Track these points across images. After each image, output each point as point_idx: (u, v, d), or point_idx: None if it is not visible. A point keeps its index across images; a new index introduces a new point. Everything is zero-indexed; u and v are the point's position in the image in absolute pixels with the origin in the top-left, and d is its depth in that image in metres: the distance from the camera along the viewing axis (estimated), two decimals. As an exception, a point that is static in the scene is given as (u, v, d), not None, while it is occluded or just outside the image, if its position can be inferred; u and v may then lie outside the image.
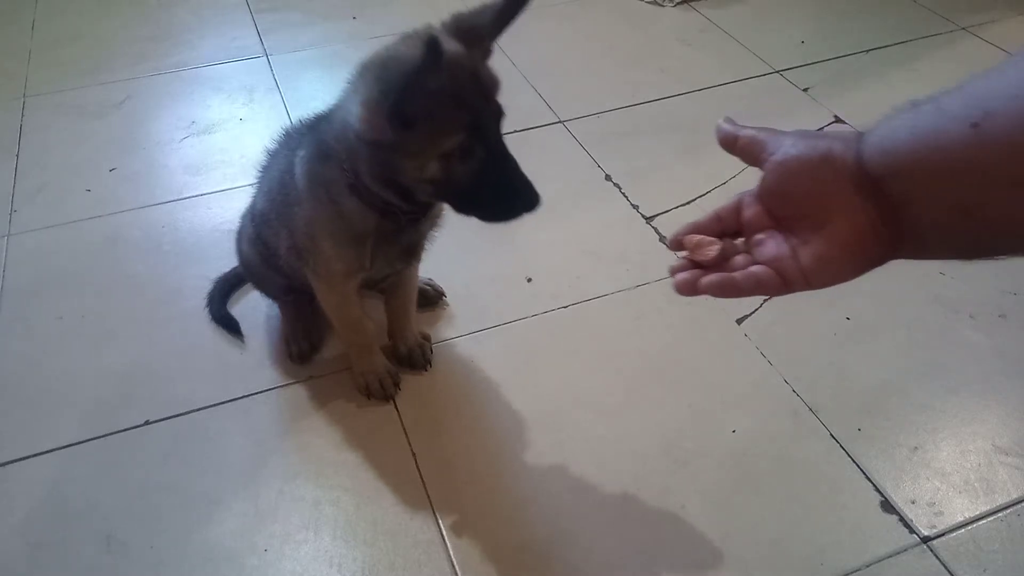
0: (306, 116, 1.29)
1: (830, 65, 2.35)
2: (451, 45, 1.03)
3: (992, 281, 1.65)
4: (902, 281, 1.65)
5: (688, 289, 0.78)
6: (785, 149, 0.76)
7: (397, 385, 1.45)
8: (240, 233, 1.55)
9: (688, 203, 1.87)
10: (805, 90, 2.24)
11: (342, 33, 2.53)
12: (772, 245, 0.77)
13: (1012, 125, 0.56)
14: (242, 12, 2.69)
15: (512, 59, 2.36)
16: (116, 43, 2.52)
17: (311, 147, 1.19)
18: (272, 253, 1.38)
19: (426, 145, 1.03)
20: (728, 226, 0.84)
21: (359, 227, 1.18)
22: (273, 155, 1.37)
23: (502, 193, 1.08)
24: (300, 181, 1.21)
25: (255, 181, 1.43)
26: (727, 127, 0.85)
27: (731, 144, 0.84)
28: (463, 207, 1.12)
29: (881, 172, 0.69)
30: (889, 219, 0.71)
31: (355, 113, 1.04)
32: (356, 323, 1.41)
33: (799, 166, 0.76)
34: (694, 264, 0.80)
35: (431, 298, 1.60)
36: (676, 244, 0.79)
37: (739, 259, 0.78)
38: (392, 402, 1.45)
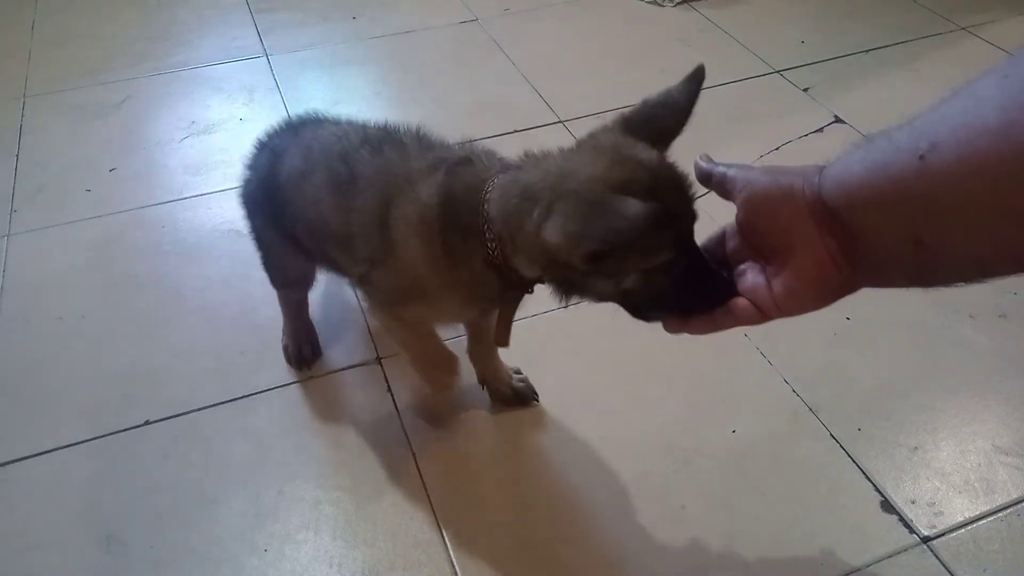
0: (424, 134, 1.17)
1: (830, 65, 2.35)
2: (645, 153, 0.94)
3: (992, 281, 1.65)
4: (902, 281, 1.65)
5: (676, 328, 0.87)
6: (751, 186, 0.80)
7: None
8: (251, 198, 1.38)
9: (688, 203, 1.86)
10: (805, 90, 2.24)
11: (342, 33, 2.52)
12: (751, 276, 0.83)
13: (955, 156, 0.58)
14: (242, 12, 2.69)
15: (512, 59, 2.36)
16: (116, 43, 2.53)
17: (444, 210, 1.01)
18: (314, 241, 1.24)
19: (629, 268, 0.90)
20: (715, 256, 0.89)
21: (484, 293, 1.06)
22: (346, 140, 1.19)
23: (698, 292, 0.92)
24: (411, 237, 1.04)
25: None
26: (703, 165, 0.89)
27: (706, 180, 0.88)
28: (649, 315, 0.98)
29: (837, 204, 0.71)
30: (848, 250, 0.74)
31: (551, 234, 0.89)
32: (435, 353, 1.28)
33: (764, 201, 0.79)
34: None
35: (523, 396, 1.43)
36: None
37: None
38: (392, 403, 1.45)
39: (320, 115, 1.38)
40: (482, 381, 1.43)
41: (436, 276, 1.06)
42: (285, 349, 1.52)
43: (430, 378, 1.34)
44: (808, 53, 2.40)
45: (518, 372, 1.46)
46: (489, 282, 1.03)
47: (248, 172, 1.39)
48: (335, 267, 1.29)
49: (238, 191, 1.42)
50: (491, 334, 1.27)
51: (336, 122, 1.31)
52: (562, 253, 0.89)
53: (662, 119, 0.99)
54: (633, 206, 0.81)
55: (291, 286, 1.50)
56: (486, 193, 0.98)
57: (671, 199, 0.90)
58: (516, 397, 1.43)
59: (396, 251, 1.07)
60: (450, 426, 1.41)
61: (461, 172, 1.03)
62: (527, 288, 1.07)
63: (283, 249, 1.37)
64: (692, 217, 0.93)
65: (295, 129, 1.35)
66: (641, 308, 0.98)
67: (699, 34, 2.51)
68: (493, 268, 1.00)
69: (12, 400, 1.47)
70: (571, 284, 0.97)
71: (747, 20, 2.57)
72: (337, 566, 1.22)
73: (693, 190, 0.94)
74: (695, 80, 1.00)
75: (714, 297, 0.91)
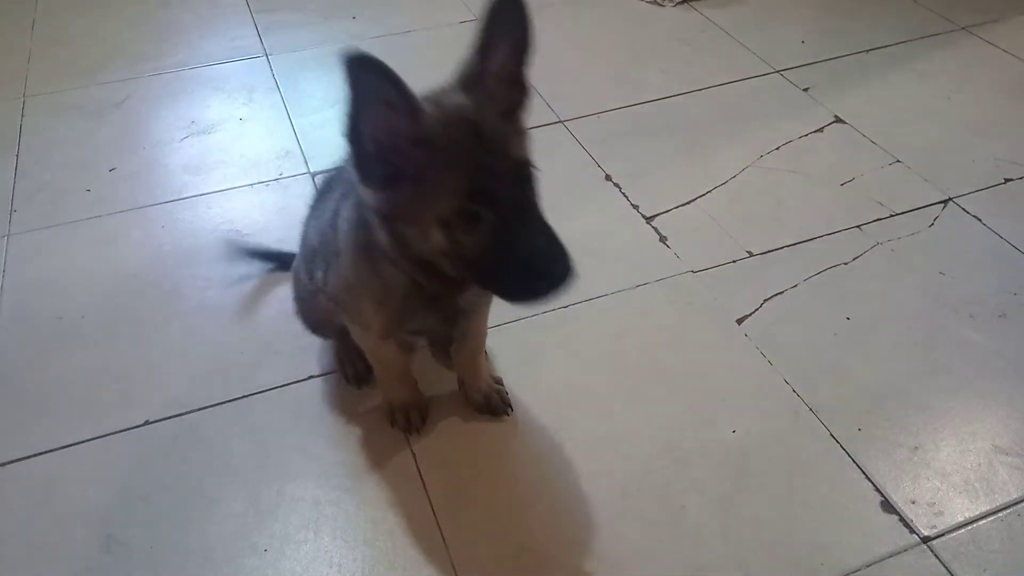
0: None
1: (830, 65, 2.35)
2: (452, 98, 0.94)
3: (992, 281, 1.65)
4: (902, 281, 1.65)
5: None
6: None
7: (424, 419, 1.39)
8: (296, 273, 1.44)
9: (688, 203, 1.87)
10: (805, 90, 2.24)
11: (342, 33, 2.52)
12: None
13: None
14: (242, 12, 2.69)
15: (512, 59, 2.36)
16: (116, 43, 2.52)
17: (354, 210, 1.08)
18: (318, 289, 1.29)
19: (419, 209, 0.91)
20: None
21: (396, 291, 1.09)
22: (325, 190, 1.28)
23: (524, 267, 0.91)
24: (341, 238, 1.12)
25: (309, 212, 1.36)
26: None
27: None
28: (484, 283, 0.98)
29: None
30: None
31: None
32: (391, 362, 1.34)
33: None
34: None
35: (495, 407, 1.41)
36: None
37: None
38: (392, 402, 1.45)
39: None
40: (460, 384, 1.43)
41: (357, 276, 1.11)
42: (340, 365, 1.50)
43: (385, 387, 1.40)
44: (808, 53, 2.40)
45: (499, 382, 1.44)
46: (398, 282, 1.07)
47: None
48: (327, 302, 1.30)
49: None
50: (471, 340, 1.34)
51: None
52: (364, 193, 0.94)
53: (486, 61, 0.96)
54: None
55: (332, 336, 1.49)
56: None
57: (460, 138, 0.89)
58: (487, 406, 1.41)
59: (339, 255, 1.14)
60: (410, 433, 1.39)
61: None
62: (446, 285, 1.06)
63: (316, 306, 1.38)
64: (509, 172, 0.91)
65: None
66: (473, 275, 0.96)
67: (699, 34, 2.51)
68: (395, 265, 1.04)
69: (12, 400, 1.47)
70: (402, 242, 0.98)
71: (747, 20, 2.57)
72: (337, 566, 1.22)
73: (515, 143, 0.93)
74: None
75: (538, 276, 0.89)
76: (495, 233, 0.90)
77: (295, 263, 1.45)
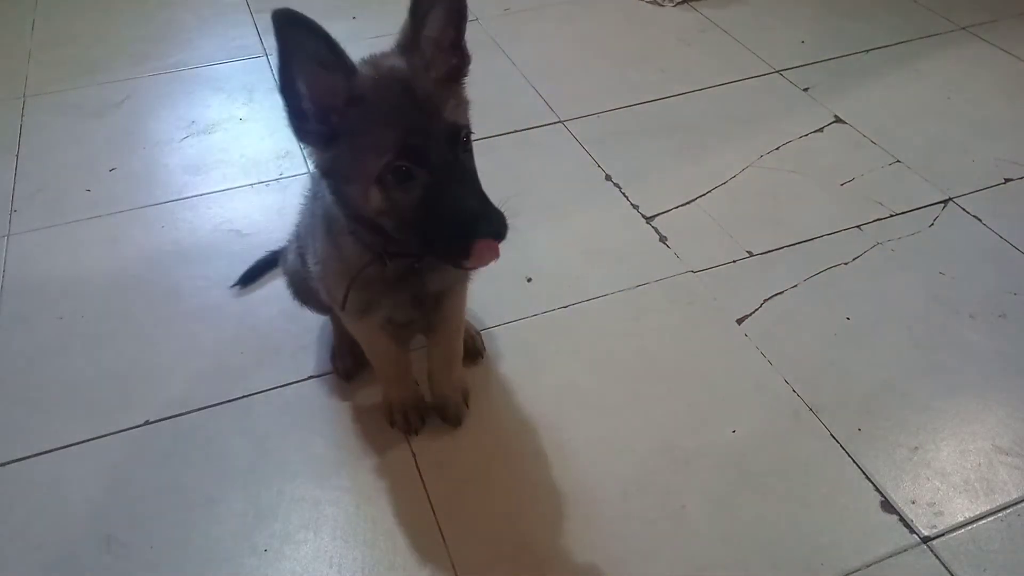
0: None
1: (830, 65, 2.35)
2: (389, 61, 0.96)
3: (992, 281, 1.65)
4: (902, 281, 1.65)
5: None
6: None
7: (423, 420, 1.39)
8: (285, 251, 1.48)
9: (688, 203, 1.87)
10: (805, 90, 2.24)
11: (342, 33, 2.48)
12: None
13: None
14: (242, 12, 2.69)
15: (512, 59, 2.36)
16: (116, 43, 2.52)
17: (312, 190, 1.16)
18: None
19: (355, 166, 0.95)
20: None
21: (355, 264, 1.12)
22: (315, 180, 1.32)
23: (456, 225, 0.93)
24: (310, 218, 1.18)
25: (302, 202, 1.37)
26: None
27: None
28: (421, 244, 1.00)
29: None
30: None
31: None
32: (383, 354, 1.35)
33: None
34: None
35: (468, 351, 1.46)
36: None
37: None
38: (392, 402, 1.45)
39: None
40: (429, 376, 1.40)
41: (324, 249, 1.16)
42: (332, 358, 1.51)
43: (384, 386, 1.41)
44: (808, 53, 2.40)
45: (465, 393, 1.42)
46: (357, 251, 1.10)
47: None
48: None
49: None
50: (443, 332, 1.34)
51: None
52: (310, 155, 0.98)
53: (422, 27, 0.99)
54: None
55: (325, 311, 1.51)
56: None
57: (392, 97, 0.92)
58: (442, 409, 1.40)
59: (314, 234, 1.20)
60: (409, 434, 1.39)
61: None
62: (394, 261, 1.10)
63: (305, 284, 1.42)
64: (440, 131, 0.93)
65: None
66: (410, 237, 1.00)
67: (699, 34, 2.51)
68: (352, 233, 1.08)
69: (12, 400, 1.47)
70: (346, 202, 1.02)
71: (747, 20, 2.57)
72: (337, 566, 1.22)
73: (445, 104, 0.95)
74: None
75: (470, 230, 0.92)
76: (427, 191, 0.94)
77: (289, 239, 1.48)
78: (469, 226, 0.94)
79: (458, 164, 0.96)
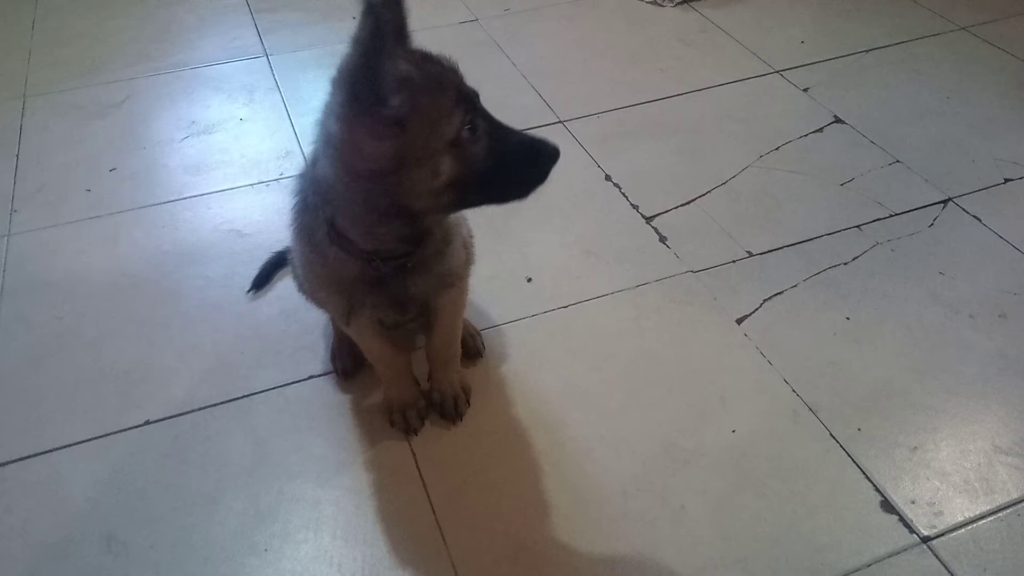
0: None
1: (830, 65, 2.35)
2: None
3: (992, 281, 1.65)
4: (902, 281, 1.65)
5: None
6: None
7: (423, 420, 1.40)
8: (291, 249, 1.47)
9: (688, 203, 1.87)
10: (805, 90, 2.24)
11: (342, 33, 2.49)
12: None
13: None
14: (242, 12, 2.69)
15: (512, 59, 2.36)
16: (116, 43, 2.53)
17: (298, 196, 1.14)
18: None
19: (429, 140, 0.93)
20: None
21: (342, 274, 1.12)
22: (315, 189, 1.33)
23: (523, 158, 1.01)
24: (291, 228, 1.17)
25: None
26: None
27: None
28: (491, 194, 1.03)
29: None
30: None
31: (336, 136, 0.94)
32: (379, 353, 1.36)
33: None
34: None
35: (468, 350, 1.49)
36: None
37: None
38: (392, 402, 1.45)
39: None
40: (429, 377, 1.43)
41: (306, 262, 1.18)
42: (332, 358, 1.52)
43: (385, 385, 1.42)
44: (808, 53, 2.40)
45: (466, 390, 1.43)
46: (342, 259, 1.09)
47: None
48: None
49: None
50: (439, 336, 1.35)
51: None
52: (356, 155, 0.94)
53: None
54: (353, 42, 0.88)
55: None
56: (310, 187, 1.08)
57: (430, 64, 0.95)
58: (440, 407, 1.41)
59: (292, 248, 1.22)
60: (409, 434, 1.39)
61: (306, 176, 1.11)
62: (379, 267, 1.10)
63: None
64: (472, 90, 0.98)
65: None
66: (480, 192, 1.02)
67: (699, 34, 2.51)
68: (336, 243, 1.07)
69: (12, 400, 1.47)
70: (398, 196, 0.99)
71: (747, 20, 2.57)
72: (337, 566, 1.22)
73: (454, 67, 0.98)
74: None
75: (537, 158, 0.99)
76: (491, 138, 0.98)
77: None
78: (533, 149, 1.01)
79: (487, 113, 1.01)
